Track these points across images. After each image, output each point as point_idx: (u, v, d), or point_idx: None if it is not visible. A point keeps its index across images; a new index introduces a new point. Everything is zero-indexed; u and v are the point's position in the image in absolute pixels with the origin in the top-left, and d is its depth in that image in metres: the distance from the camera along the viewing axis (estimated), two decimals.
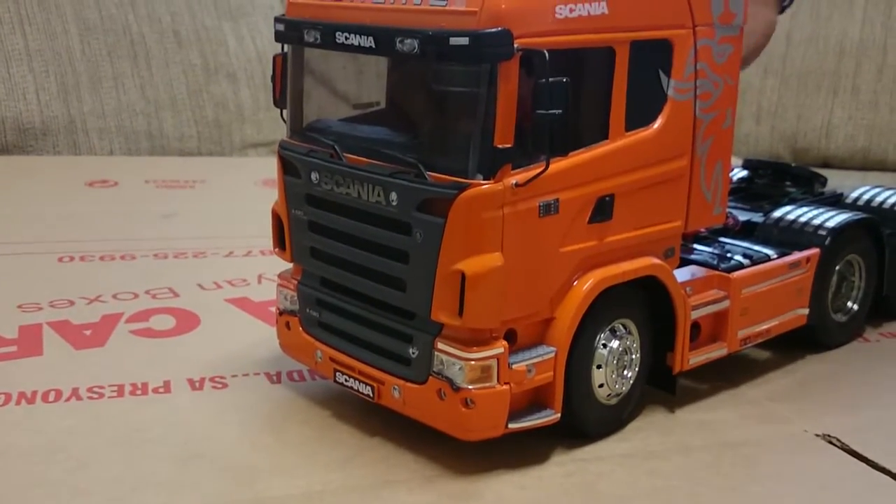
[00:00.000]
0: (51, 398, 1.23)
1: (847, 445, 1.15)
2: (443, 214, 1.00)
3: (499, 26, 0.96)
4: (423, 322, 1.06)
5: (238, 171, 2.53)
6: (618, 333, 1.14)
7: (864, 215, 1.44)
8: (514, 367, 1.04)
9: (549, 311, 1.07)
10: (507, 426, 1.06)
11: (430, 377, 1.06)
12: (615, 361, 1.14)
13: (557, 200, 1.04)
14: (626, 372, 1.16)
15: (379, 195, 1.06)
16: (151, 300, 1.58)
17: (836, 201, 1.57)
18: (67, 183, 2.27)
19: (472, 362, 1.02)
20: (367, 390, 1.13)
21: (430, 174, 1.01)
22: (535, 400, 1.08)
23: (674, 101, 1.13)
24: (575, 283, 1.08)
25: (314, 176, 1.14)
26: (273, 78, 1.24)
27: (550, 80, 0.96)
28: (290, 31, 1.15)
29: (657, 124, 1.12)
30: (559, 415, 1.09)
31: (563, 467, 1.09)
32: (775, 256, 1.33)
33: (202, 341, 1.43)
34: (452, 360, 1.03)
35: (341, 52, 1.11)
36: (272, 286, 1.61)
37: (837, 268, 1.42)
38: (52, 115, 2.45)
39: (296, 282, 1.22)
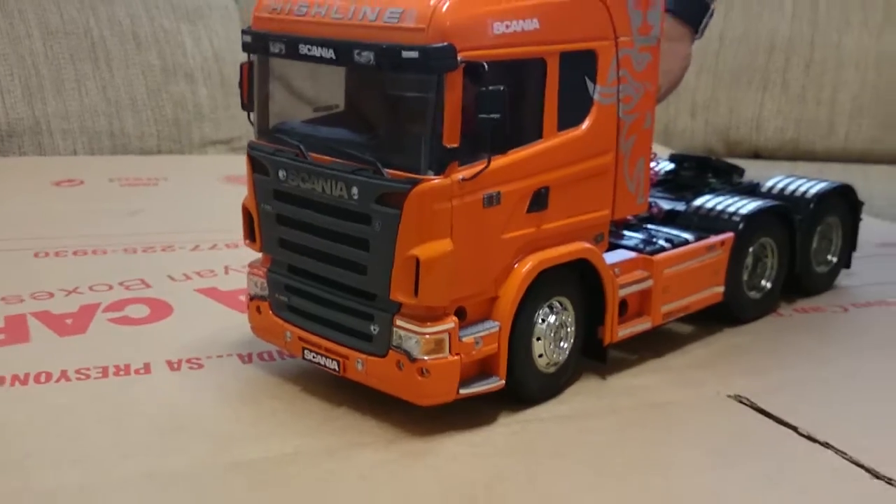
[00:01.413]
0: (42, 379, 1.35)
1: (754, 404, 1.31)
2: (398, 206, 1.14)
3: (444, 41, 1.10)
4: (383, 302, 1.20)
5: (198, 168, 2.64)
6: (555, 309, 1.29)
7: (775, 203, 1.61)
8: (463, 339, 1.18)
9: (493, 291, 1.22)
10: (458, 392, 1.20)
11: (390, 351, 1.20)
12: (552, 334, 1.28)
13: (499, 193, 1.18)
14: (562, 343, 1.30)
15: (341, 190, 1.19)
16: (125, 291, 1.69)
17: (752, 190, 1.73)
18: (35, 183, 2.36)
19: (427, 336, 1.17)
20: (333, 365, 1.26)
21: (386, 171, 1.15)
22: (482, 369, 1.23)
23: (599, 105, 1.28)
24: (516, 266, 1.23)
25: (281, 173, 1.27)
26: (241, 84, 1.36)
27: (490, 88, 1.10)
28: (256, 42, 1.28)
29: (585, 125, 1.27)
30: (503, 382, 1.23)
31: (508, 427, 1.24)
32: (693, 240, 1.49)
33: (176, 327, 1.55)
34: (409, 334, 1.17)
35: (304, 62, 1.24)
36: (239, 276, 1.75)
37: (751, 250, 1.58)
38: (18, 118, 2.54)
39: (265, 270, 1.35)
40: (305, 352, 1.30)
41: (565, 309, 1.30)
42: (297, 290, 1.31)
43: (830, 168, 2.89)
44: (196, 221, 2.12)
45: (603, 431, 1.24)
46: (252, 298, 1.38)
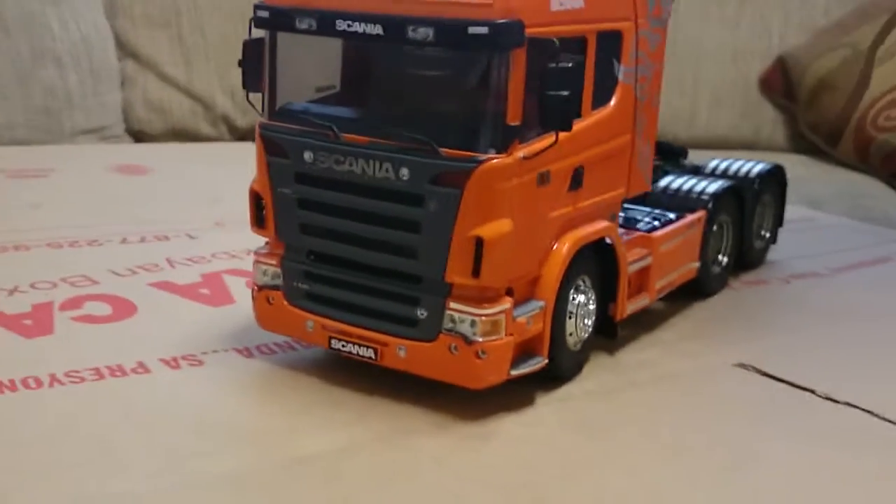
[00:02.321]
0: (32, 384, 1.23)
1: (761, 370, 1.38)
2: (458, 186, 1.12)
3: (512, 17, 1.08)
4: (431, 285, 1.17)
5: (85, 158, 2.46)
6: (580, 288, 1.30)
7: (732, 182, 1.69)
8: (517, 319, 1.18)
9: (537, 270, 1.22)
10: (509, 374, 1.19)
11: (441, 335, 1.17)
12: (580, 312, 1.30)
13: (549, 171, 1.18)
14: (586, 321, 1.32)
15: (387, 171, 1.15)
16: (73, 288, 1.56)
17: (697, 171, 1.81)
18: None
19: (484, 318, 1.15)
20: (368, 353, 1.22)
21: (442, 150, 1.12)
22: (525, 349, 1.22)
23: (622, 84, 1.30)
24: (555, 246, 1.23)
25: (307, 155, 1.21)
26: (243, 63, 1.29)
27: (559, 64, 1.10)
28: (277, 17, 1.21)
29: (612, 104, 1.29)
30: (547, 361, 1.24)
31: (550, 406, 1.24)
32: (674, 218, 1.55)
33: (150, 324, 1.45)
34: (465, 316, 1.15)
35: (328, 38, 1.19)
36: (187, 269, 1.67)
37: (714, 227, 1.66)
38: None
39: (279, 258, 1.28)
40: (332, 341, 1.25)
41: (588, 287, 1.32)
42: (321, 278, 1.25)
43: (694, 154, 3.04)
44: (106, 214, 1.98)
45: (636, 404, 1.27)
46: (261, 288, 1.30)
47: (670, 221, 1.53)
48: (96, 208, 2.02)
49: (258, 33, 1.28)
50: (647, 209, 1.58)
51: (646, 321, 1.53)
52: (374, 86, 1.24)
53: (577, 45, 1.20)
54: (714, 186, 1.64)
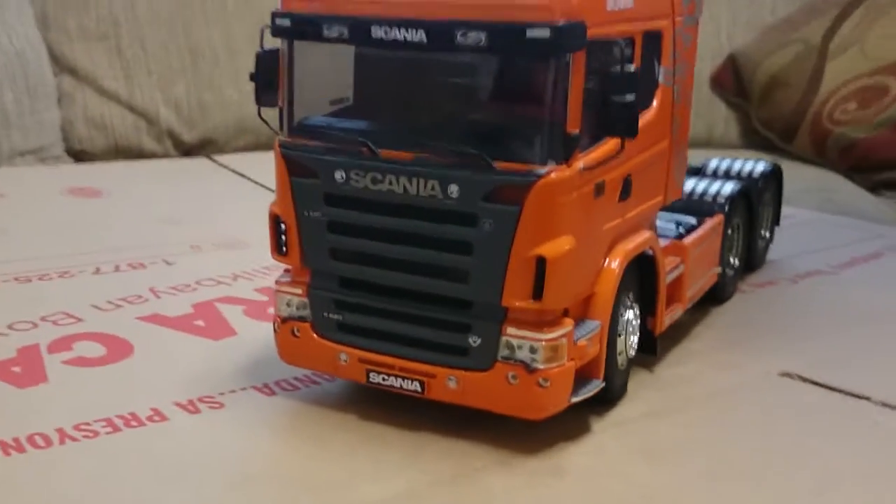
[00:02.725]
0: (40, 443, 1.10)
1: (810, 378, 1.33)
2: (516, 202, 1.03)
3: (573, 19, 1.00)
4: (484, 310, 1.08)
5: (32, 181, 2.30)
6: (626, 304, 1.23)
7: (743, 184, 1.64)
8: (577, 343, 1.10)
9: (591, 288, 1.14)
10: (569, 401, 1.11)
11: (497, 363, 1.08)
12: (628, 329, 1.23)
13: (604, 182, 1.11)
14: (633, 338, 1.25)
15: (433, 188, 1.06)
16: (57, 327, 1.43)
17: (699, 172, 1.76)
18: None
19: (546, 343, 1.07)
20: (413, 386, 1.13)
21: (496, 164, 1.04)
22: (581, 372, 1.14)
23: (663, 87, 1.23)
24: (607, 261, 1.15)
25: (339, 175, 1.11)
26: (257, 76, 1.18)
27: (624, 68, 1.02)
28: (301, 26, 1.11)
29: (654, 107, 1.22)
30: (604, 384, 1.16)
31: (608, 432, 1.17)
32: (696, 224, 1.49)
33: (151, 364, 1.33)
34: (526, 342, 1.07)
35: (369, 48, 1.09)
36: (174, 299, 1.55)
37: (730, 230, 1.61)
38: None
39: (305, 286, 1.18)
40: (371, 375, 1.15)
41: (632, 302, 1.25)
42: (355, 306, 1.15)
43: None
44: (70, 242, 1.84)
45: (695, 424, 1.20)
46: (284, 321, 1.20)
47: (694, 227, 1.47)
48: (58, 236, 1.88)
49: (272, 42, 1.17)
50: (667, 214, 1.51)
51: (669, 332, 1.47)
52: (412, 97, 1.14)
53: (627, 47, 1.13)
54: (727, 189, 1.59)
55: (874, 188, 2.78)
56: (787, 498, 1.05)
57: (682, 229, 1.44)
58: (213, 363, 1.32)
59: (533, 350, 1.07)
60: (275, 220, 1.18)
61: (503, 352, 1.08)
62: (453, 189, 1.05)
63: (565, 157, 1.03)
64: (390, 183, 1.08)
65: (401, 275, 1.12)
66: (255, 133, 2.85)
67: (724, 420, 1.21)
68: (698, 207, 1.56)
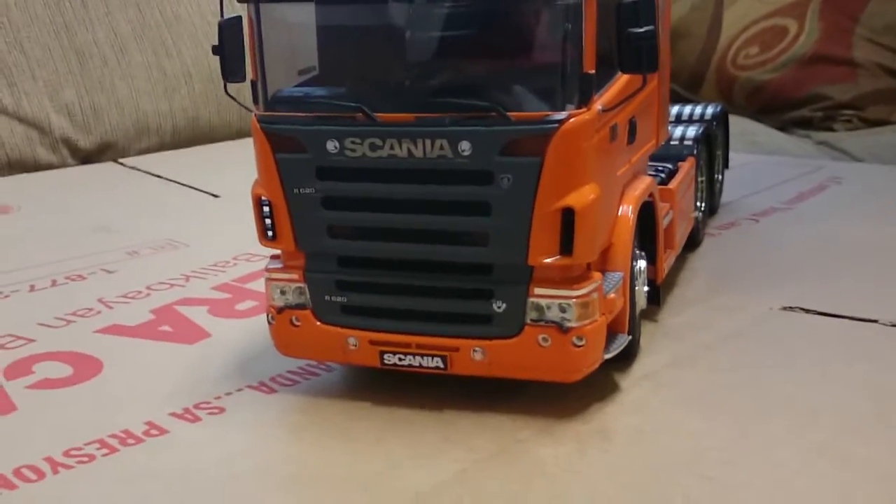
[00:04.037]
0: (31, 476, 0.98)
1: (813, 309, 1.31)
2: (537, 153, 0.96)
3: None
4: (508, 272, 1.02)
5: None
6: (635, 253, 1.18)
7: (703, 126, 1.62)
8: (607, 296, 1.04)
9: (610, 238, 1.08)
10: (602, 358, 1.05)
11: (526, 327, 1.02)
12: (641, 279, 1.18)
13: (616, 124, 1.05)
14: (645, 288, 1.20)
15: (441, 148, 0.98)
16: (7, 351, 1.29)
17: None
18: None
19: (577, 299, 1.00)
20: (434, 363, 1.05)
21: (510, 114, 0.97)
22: (609, 328, 1.09)
23: None
24: (620, 209, 1.10)
25: (331, 145, 1.02)
26: (221, 48, 1.07)
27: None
28: None
29: None
30: (631, 337, 1.11)
31: (641, 387, 1.12)
32: (674, 168, 1.45)
33: (127, 377, 1.21)
34: (557, 301, 1.00)
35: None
36: (127, 307, 1.44)
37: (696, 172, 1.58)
38: None
39: (301, 271, 1.09)
40: (385, 357, 1.07)
41: (638, 250, 1.20)
42: (360, 285, 1.07)
43: None
44: None
45: (724, 369, 1.16)
46: (281, 311, 1.10)
47: (674, 172, 1.43)
48: None
49: (234, 11, 1.07)
50: None
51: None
52: (406, 54, 1.05)
53: None
54: (691, 132, 1.56)
55: (783, 127, 2.83)
56: (852, 426, 1.02)
57: (662, 175, 1.40)
58: (197, 368, 1.22)
59: (563, 309, 1.01)
60: (259, 203, 1.08)
61: (531, 314, 1.02)
62: (465, 146, 0.98)
63: (584, 100, 0.97)
64: (391, 148, 1.00)
65: (411, 245, 1.04)
66: (157, 133, 2.70)
67: (749, 360, 1.18)
68: (667, 152, 1.52)
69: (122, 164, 2.51)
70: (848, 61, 2.81)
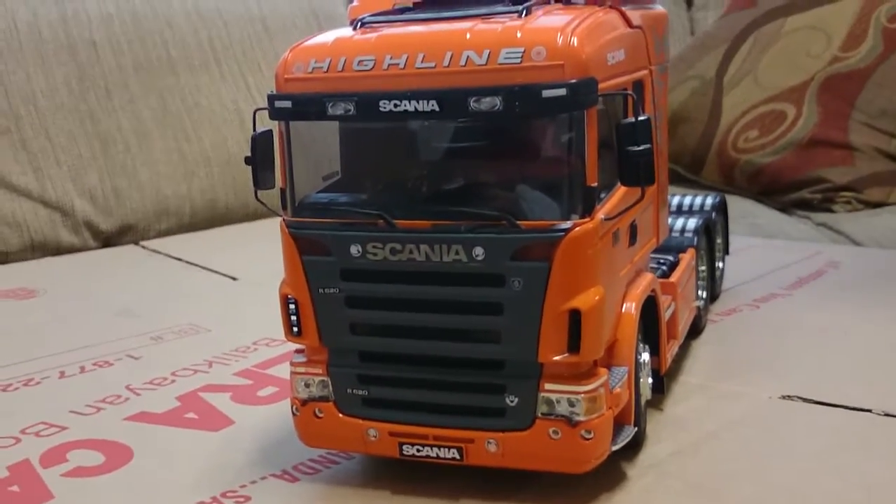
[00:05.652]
0: None
1: (810, 398, 1.37)
2: (545, 258, 1.04)
3: (585, 75, 1.02)
4: (519, 368, 1.08)
5: None
6: (639, 347, 1.25)
7: (703, 217, 1.70)
8: (613, 390, 1.10)
9: (614, 335, 1.15)
10: (609, 450, 1.12)
11: (537, 420, 1.08)
12: (645, 371, 1.24)
13: (618, 229, 1.13)
14: (649, 379, 1.27)
15: (457, 253, 1.06)
16: (42, 439, 1.35)
17: None
18: None
19: (586, 394, 1.07)
20: (451, 454, 1.11)
21: (520, 223, 1.05)
22: (615, 421, 1.15)
23: None
24: (624, 306, 1.17)
25: (354, 249, 1.10)
26: (253, 159, 1.16)
27: (638, 119, 1.05)
28: (303, 106, 1.09)
29: None
30: (636, 429, 1.17)
31: (648, 477, 1.17)
32: (676, 260, 1.53)
33: (157, 465, 1.27)
34: (566, 396, 1.07)
35: (376, 122, 1.09)
36: (154, 394, 1.50)
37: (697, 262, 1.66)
38: None
39: (324, 366, 1.15)
40: (404, 448, 1.13)
41: (642, 344, 1.26)
42: (380, 379, 1.14)
43: None
44: (21, 347, 1.76)
45: (728, 458, 1.21)
46: (305, 403, 1.17)
47: (675, 263, 1.50)
48: (5, 343, 1.79)
49: (264, 125, 1.16)
50: None
51: None
52: (424, 164, 1.14)
53: (621, 97, 1.16)
54: (692, 223, 1.64)
55: (784, 209, 2.91)
56: None
57: (664, 267, 1.48)
58: (221, 456, 1.28)
59: (572, 403, 1.07)
60: (286, 301, 1.15)
61: (542, 408, 1.08)
62: (479, 252, 1.06)
63: (587, 210, 1.05)
64: (411, 252, 1.08)
65: (428, 342, 1.11)
66: (176, 215, 2.79)
67: (750, 449, 1.23)
68: (668, 243, 1.59)
69: (143, 246, 2.59)
70: (845, 145, 2.90)
